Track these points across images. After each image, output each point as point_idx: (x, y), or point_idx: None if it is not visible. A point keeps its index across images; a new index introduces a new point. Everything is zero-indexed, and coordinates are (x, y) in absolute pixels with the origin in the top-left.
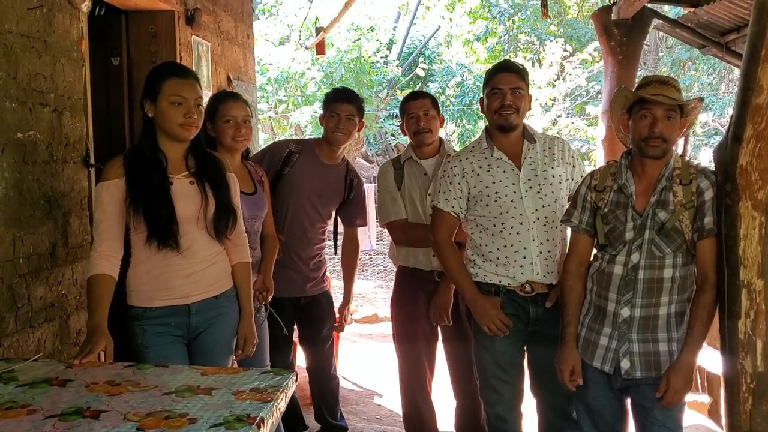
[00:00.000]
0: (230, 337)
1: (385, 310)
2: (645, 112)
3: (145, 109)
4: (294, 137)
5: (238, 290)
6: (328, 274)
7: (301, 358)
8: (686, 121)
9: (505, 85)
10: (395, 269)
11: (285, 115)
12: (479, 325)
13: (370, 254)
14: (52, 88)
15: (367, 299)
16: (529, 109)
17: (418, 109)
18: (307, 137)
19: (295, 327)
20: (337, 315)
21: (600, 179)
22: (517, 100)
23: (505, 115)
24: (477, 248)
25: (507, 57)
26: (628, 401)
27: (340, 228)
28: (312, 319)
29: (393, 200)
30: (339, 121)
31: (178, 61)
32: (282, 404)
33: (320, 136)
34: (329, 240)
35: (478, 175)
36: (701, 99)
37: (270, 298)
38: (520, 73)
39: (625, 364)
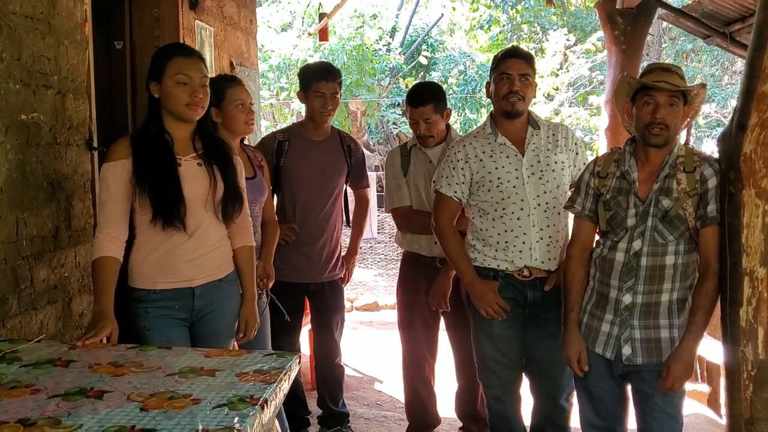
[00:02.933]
0: (232, 320)
1: (385, 298)
2: (648, 98)
3: (150, 89)
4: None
5: (241, 273)
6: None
7: (304, 345)
8: (690, 109)
9: (513, 71)
10: (396, 258)
11: (286, 103)
12: (477, 309)
13: (371, 242)
14: (56, 70)
15: (368, 287)
16: (534, 96)
17: (419, 116)
18: (288, 124)
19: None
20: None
21: (603, 165)
22: (524, 87)
23: (513, 101)
24: (477, 233)
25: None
26: (629, 387)
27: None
28: (320, 307)
29: (398, 187)
30: (325, 101)
31: None
32: (285, 386)
33: (303, 119)
34: (343, 221)
35: (481, 160)
36: (704, 85)
37: (271, 284)
38: (529, 59)
39: (626, 350)
